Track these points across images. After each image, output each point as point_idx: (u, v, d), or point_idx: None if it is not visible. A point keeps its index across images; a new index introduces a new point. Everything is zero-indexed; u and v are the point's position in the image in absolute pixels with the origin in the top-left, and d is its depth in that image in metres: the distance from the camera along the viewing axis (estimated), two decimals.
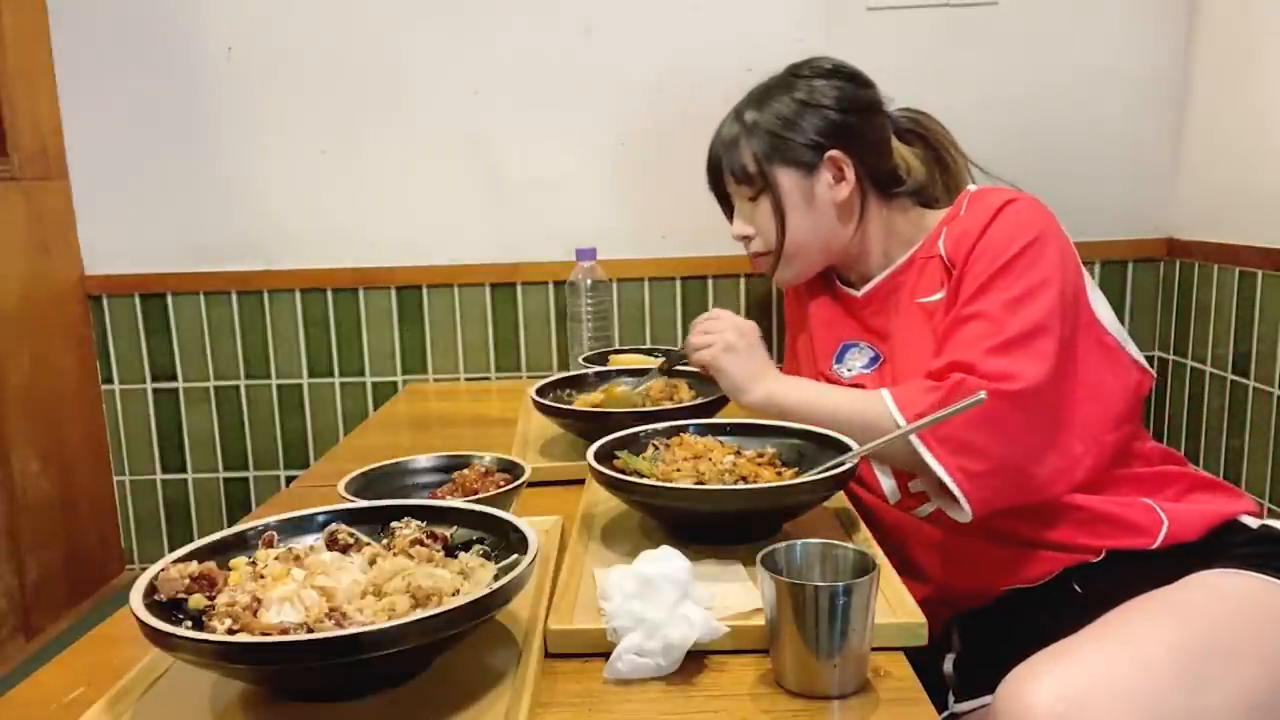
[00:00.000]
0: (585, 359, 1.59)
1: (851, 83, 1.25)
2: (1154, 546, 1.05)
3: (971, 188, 1.24)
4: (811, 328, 1.34)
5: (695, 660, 0.73)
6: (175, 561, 0.72)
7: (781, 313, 1.83)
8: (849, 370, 1.25)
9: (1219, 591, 0.93)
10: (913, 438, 1.01)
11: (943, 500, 1.07)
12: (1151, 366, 1.18)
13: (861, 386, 1.19)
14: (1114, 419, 1.11)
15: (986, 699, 1.05)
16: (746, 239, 1.31)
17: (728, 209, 1.36)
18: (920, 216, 1.26)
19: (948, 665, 1.13)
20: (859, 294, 1.28)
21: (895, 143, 1.28)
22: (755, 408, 1.14)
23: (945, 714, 1.09)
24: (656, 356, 1.58)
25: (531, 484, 1.00)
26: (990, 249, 1.09)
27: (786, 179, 1.23)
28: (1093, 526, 1.07)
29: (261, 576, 0.72)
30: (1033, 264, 1.07)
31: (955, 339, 1.07)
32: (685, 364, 1.26)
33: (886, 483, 1.17)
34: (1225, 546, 1.02)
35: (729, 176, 1.29)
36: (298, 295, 1.86)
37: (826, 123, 1.22)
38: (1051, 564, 1.08)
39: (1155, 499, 1.09)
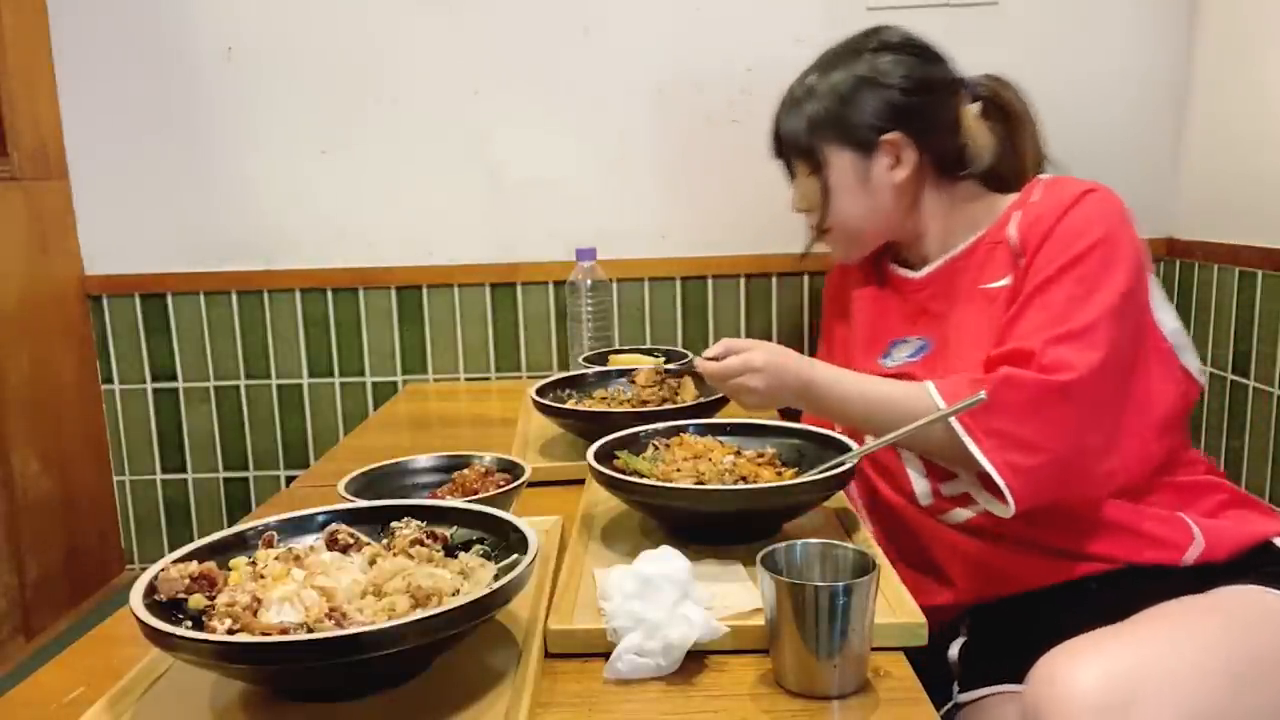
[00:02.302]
0: (585, 359, 1.58)
1: (920, 59, 1.18)
2: (1181, 562, 1.02)
3: (1044, 175, 1.18)
4: (854, 316, 1.28)
5: (695, 660, 0.73)
6: (175, 561, 0.72)
7: (782, 308, 1.83)
8: (893, 361, 1.20)
9: (1255, 606, 0.92)
10: (960, 431, 0.98)
11: (980, 492, 1.05)
12: None
13: (910, 376, 1.12)
14: (1161, 424, 1.07)
15: (990, 689, 1.04)
16: (806, 212, 1.25)
17: (792, 176, 1.28)
18: (986, 200, 1.19)
19: (953, 653, 1.11)
20: (918, 276, 1.22)
21: (968, 118, 1.20)
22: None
23: (949, 704, 1.08)
24: (657, 356, 1.59)
25: (531, 484, 1.00)
26: (1064, 237, 1.05)
27: (840, 159, 1.17)
28: (1123, 539, 1.04)
29: (261, 576, 0.72)
30: (1104, 260, 1.03)
31: (1018, 326, 1.04)
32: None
33: (920, 484, 1.12)
34: (1252, 565, 1.00)
35: (786, 148, 1.23)
36: (298, 295, 1.86)
37: (887, 104, 1.15)
38: (1074, 572, 1.06)
39: (1189, 512, 1.05)
